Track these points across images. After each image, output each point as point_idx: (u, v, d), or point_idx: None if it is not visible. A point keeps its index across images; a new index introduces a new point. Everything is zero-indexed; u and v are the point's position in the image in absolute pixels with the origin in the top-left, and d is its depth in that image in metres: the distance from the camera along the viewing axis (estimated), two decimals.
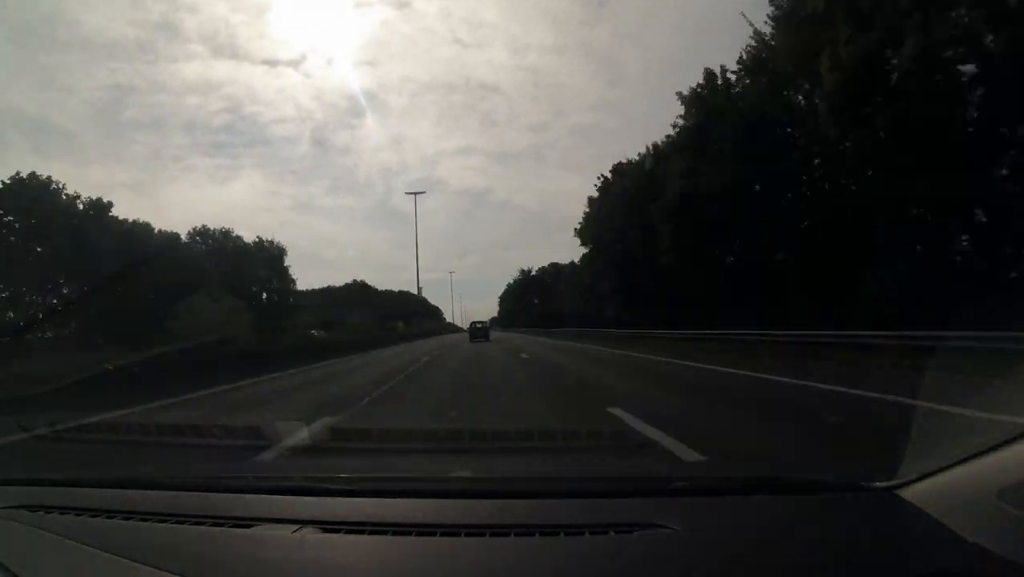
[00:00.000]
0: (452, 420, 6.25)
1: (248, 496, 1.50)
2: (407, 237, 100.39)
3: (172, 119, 77.76)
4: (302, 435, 3.83)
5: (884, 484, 1.31)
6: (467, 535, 1.20)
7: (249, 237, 38.76)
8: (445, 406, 7.41)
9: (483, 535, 1.19)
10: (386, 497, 1.45)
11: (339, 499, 1.47)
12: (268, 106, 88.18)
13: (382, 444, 4.03)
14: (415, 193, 64.78)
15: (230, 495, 1.50)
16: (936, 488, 1.19)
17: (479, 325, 35.15)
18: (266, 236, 40.00)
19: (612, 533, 1.18)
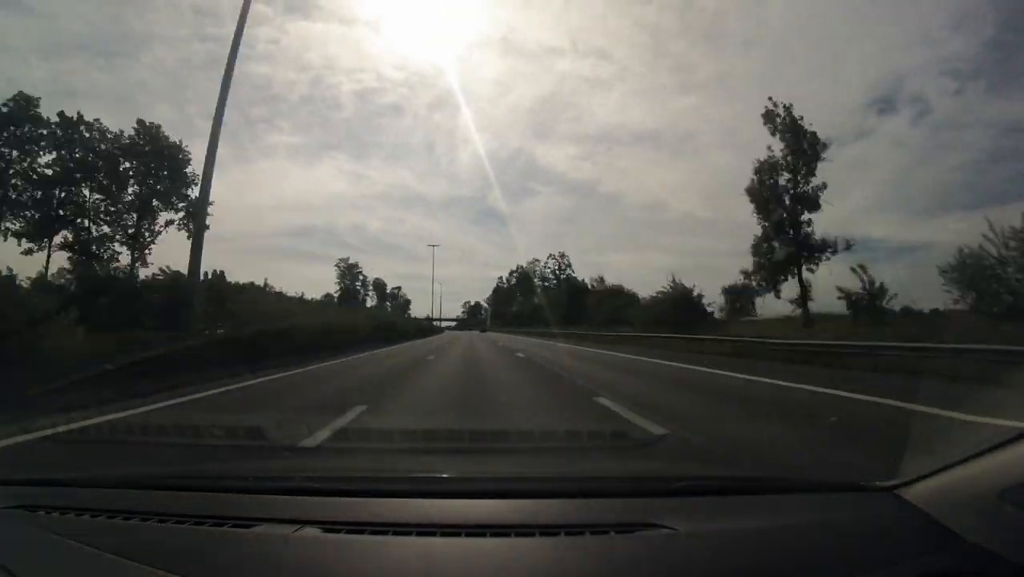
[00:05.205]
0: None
1: (248, 496, 1.50)
2: (507, 239, 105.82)
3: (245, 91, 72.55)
4: None
5: (884, 484, 1.31)
6: (467, 535, 1.20)
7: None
8: None
9: (483, 535, 1.19)
10: (386, 497, 1.45)
11: (339, 499, 1.46)
12: (348, 76, 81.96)
13: (382, 444, 4.03)
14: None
15: (230, 495, 1.50)
16: (936, 488, 1.19)
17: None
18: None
19: (613, 533, 1.18)
